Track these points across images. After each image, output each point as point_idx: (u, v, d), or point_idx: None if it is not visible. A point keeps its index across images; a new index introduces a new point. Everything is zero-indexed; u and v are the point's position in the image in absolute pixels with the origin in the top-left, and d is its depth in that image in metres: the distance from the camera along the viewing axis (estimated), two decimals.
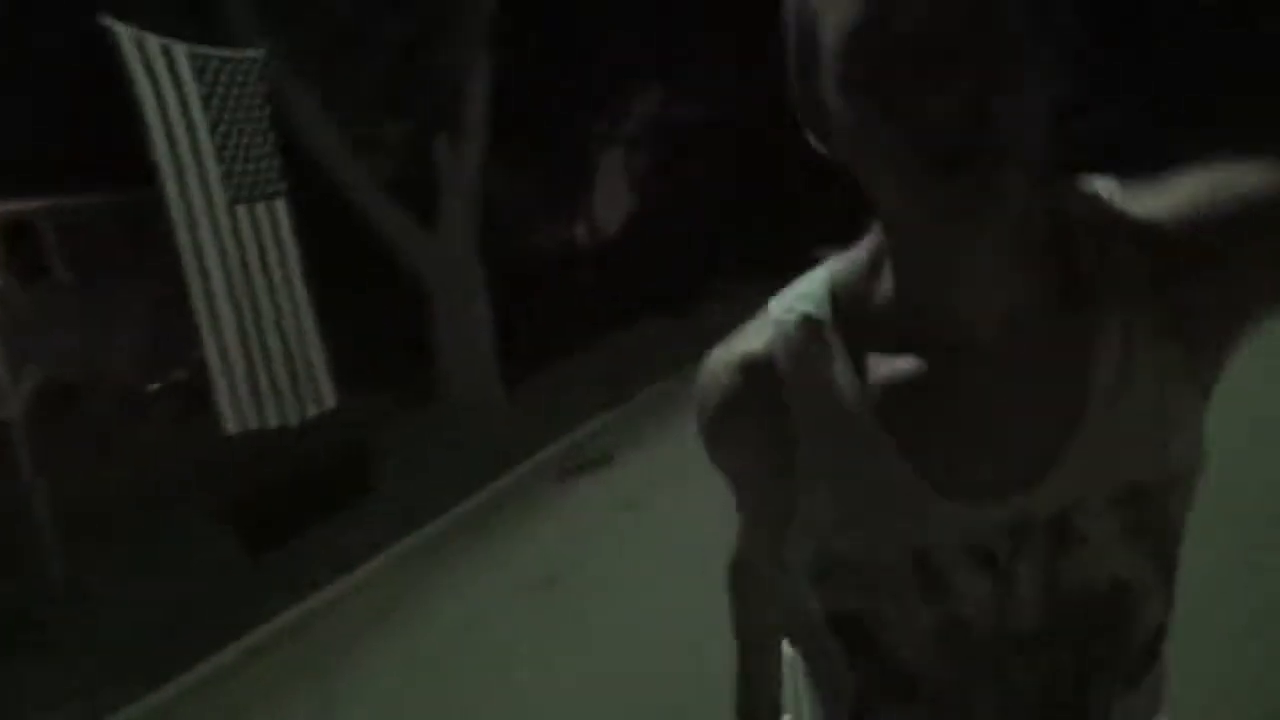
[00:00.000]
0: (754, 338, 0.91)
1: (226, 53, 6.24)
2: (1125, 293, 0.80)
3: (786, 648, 1.19)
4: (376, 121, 9.13)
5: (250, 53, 6.41)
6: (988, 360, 0.82)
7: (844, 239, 0.93)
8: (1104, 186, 0.85)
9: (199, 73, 5.95)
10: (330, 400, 6.61)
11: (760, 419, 0.88)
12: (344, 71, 8.76)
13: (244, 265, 6.16)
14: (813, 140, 0.84)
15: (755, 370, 0.89)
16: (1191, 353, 0.81)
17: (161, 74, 5.73)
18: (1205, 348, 0.81)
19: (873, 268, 0.87)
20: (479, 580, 5.63)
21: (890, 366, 0.84)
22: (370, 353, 10.52)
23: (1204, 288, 0.79)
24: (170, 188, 5.78)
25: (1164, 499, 0.83)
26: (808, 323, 0.88)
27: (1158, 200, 0.81)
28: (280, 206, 6.46)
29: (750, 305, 0.96)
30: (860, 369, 0.85)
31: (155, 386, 11.27)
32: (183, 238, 5.85)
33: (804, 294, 0.90)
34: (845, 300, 0.88)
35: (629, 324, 11.71)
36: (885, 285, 0.86)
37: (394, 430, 8.82)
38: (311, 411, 6.48)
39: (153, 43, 5.67)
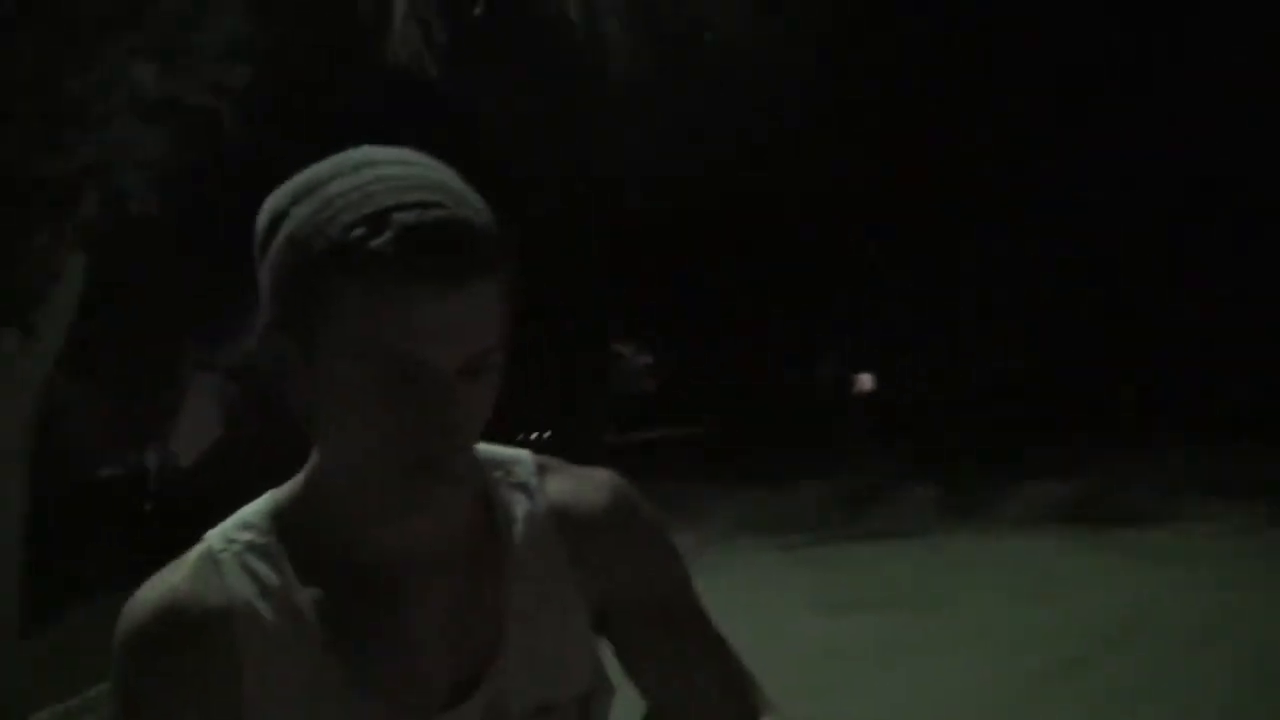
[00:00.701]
0: (189, 569, 0.92)
1: None
2: (536, 544, 0.97)
3: None
4: None
5: None
6: (416, 583, 0.91)
7: None
8: (523, 455, 1.04)
9: None
10: None
11: (204, 657, 0.88)
12: None
13: None
14: (274, 385, 0.90)
15: (196, 604, 0.89)
16: (584, 596, 0.98)
17: None
18: (591, 596, 0.98)
19: (314, 505, 0.94)
20: None
21: (331, 588, 0.90)
22: None
23: (591, 560, 0.98)
24: None
25: (577, 713, 0.95)
26: (248, 550, 0.92)
27: (578, 483, 1.02)
28: None
29: None
30: (304, 594, 0.90)
31: None
32: None
33: (244, 523, 0.95)
34: (286, 529, 0.93)
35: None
36: (325, 514, 0.93)
37: None
38: None
39: None
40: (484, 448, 0.99)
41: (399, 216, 0.78)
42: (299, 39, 9.78)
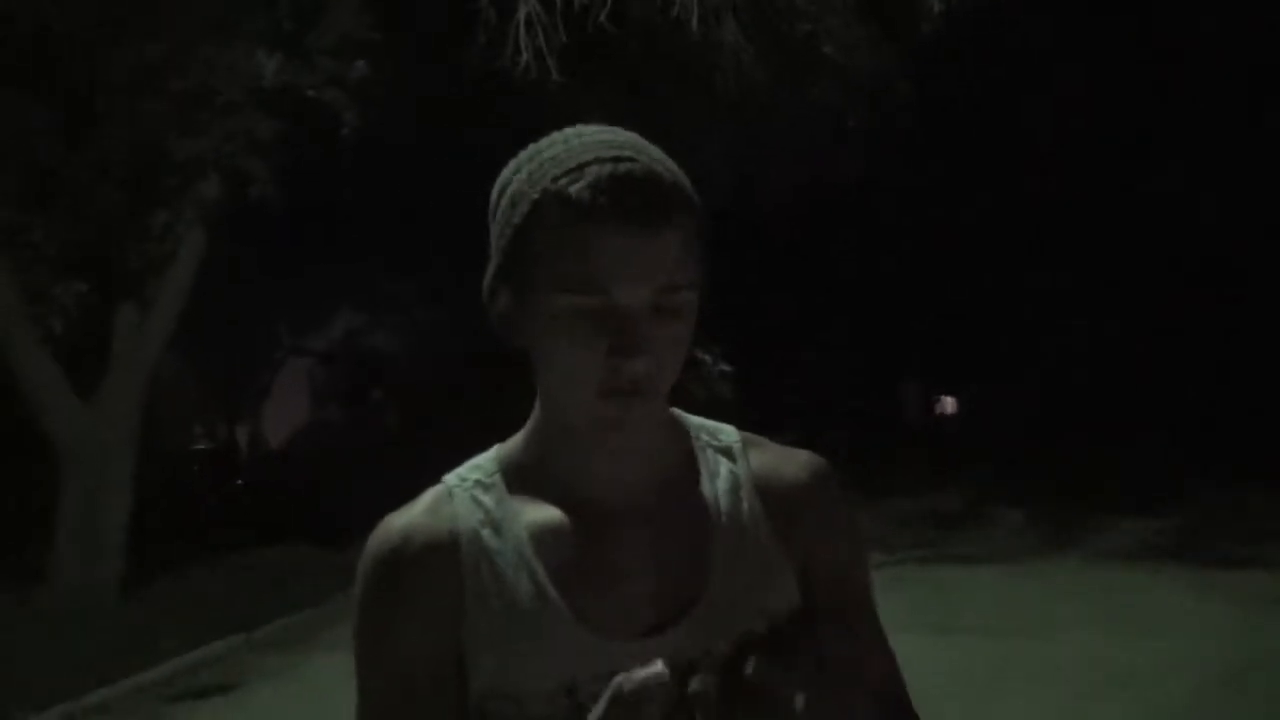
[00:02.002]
0: (427, 502, 1.00)
1: None
2: (739, 504, 1.01)
3: None
4: (56, 274, 8.38)
5: None
6: (627, 519, 0.97)
7: None
8: (728, 427, 1.08)
9: None
10: None
11: (435, 564, 0.96)
12: (34, 219, 8.10)
13: None
14: (500, 334, 0.98)
15: (427, 530, 0.97)
16: (788, 559, 1.01)
17: None
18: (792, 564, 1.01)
19: (535, 447, 1.01)
20: None
21: (550, 520, 0.98)
22: None
23: (790, 532, 1.01)
24: None
25: None
26: (477, 486, 1.00)
27: (781, 458, 1.06)
28: None
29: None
30: (525, 524, 0.98)
31: None
32: None
33: (475, 465, 1.03)
34: (511, 471, 1.01)
35: (272, 544, 10.92)
36: (547, 461, 1.00)
37: None
38: None
39: None
40: (691, 416, 1.07)
41: (595, 167, 0.90)
42: (417, 38, 10.02)
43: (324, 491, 15.99)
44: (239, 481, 19.79)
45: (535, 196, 0.92)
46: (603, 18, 7.32)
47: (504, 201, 0.96)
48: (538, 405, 1.02)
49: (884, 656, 1.06)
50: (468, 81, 9.28)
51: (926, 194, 17.09)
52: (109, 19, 7.90)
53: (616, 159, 0.91)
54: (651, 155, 0.94)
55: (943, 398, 23.18)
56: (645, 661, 0.88)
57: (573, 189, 0.89)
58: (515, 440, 1.04)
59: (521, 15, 7.52)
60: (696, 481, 1.02)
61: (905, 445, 14.47)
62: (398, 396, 24.22)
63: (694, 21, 7.42)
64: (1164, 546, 8.87)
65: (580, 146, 0.93)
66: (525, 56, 7.56)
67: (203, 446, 21.11)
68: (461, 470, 1.03)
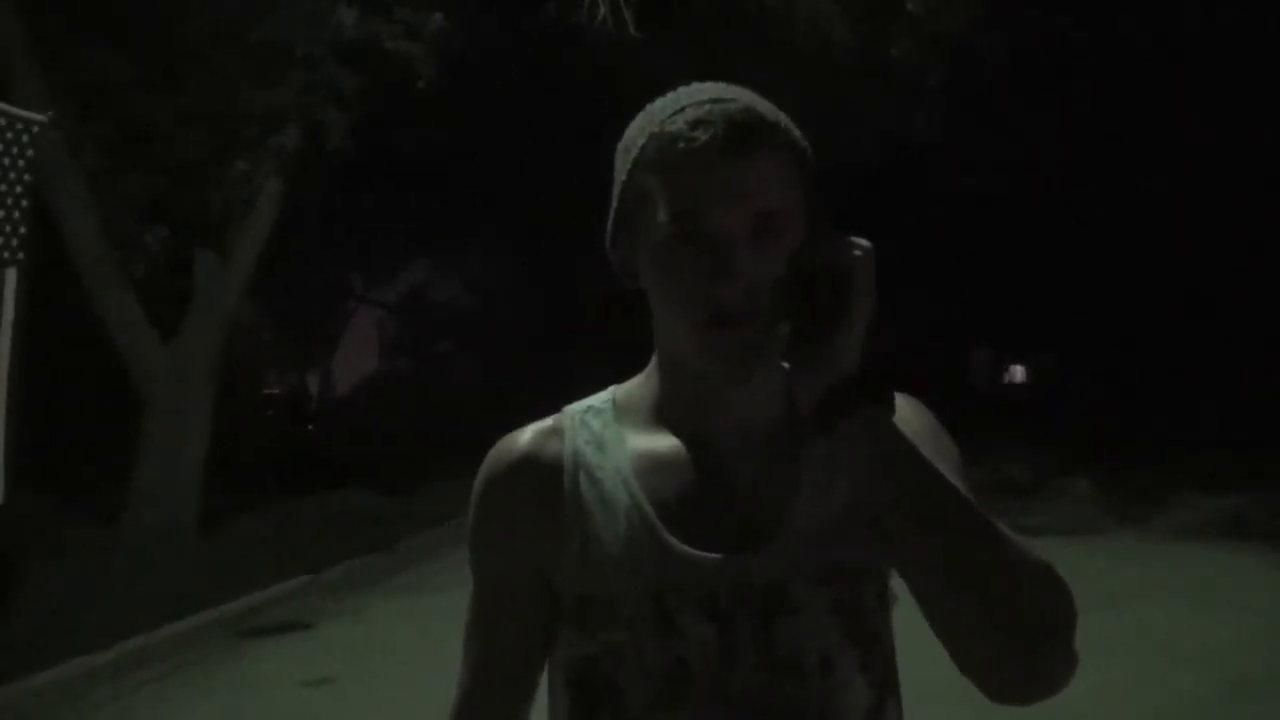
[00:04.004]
0: (540, 423, 1.08)
1: (5, 107, 5.77)
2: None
3: None
4: (141, 220, 8.60)
5: (33, 115, 5.95)
6: (726, 449, 1.03)
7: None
8: None
9: None
10: None
11: (540, 476, 1.03)
12: (122, 165, 8.30)
13: None
14: (618, 273, 1.05)
15: (535, 446, 1.05)
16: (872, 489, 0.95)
17: None
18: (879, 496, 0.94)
19: (646, 384, 1.08)
20: None
21: (652, 445, 1.04)
22: (67, 452, 9.48)
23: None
24: None
25: (860, 586, 1.00)
26: (589, 411, 1.08)
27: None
28: (10, 276, 5.84)
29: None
30: (628, 447, 1.04)
31: None
32: None
33: (592, 400, 1.10)
34: (624, 403, 1.09)
35: (339, 490, 11.20)
36: (655, 395, 1.07)
37: (67, 543, 7.87)
38: None
39: None
40: None
41: (693, 108, 0.96)
42: None
43: (390, 441, 16.31)
44: (309, 427, 20.25)
45: (642, 141, 0.99)
46: None
47: (619, 154, 1.03)
48: (655, 346, 1.08)
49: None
50: (542, 36, 9.24)
51: (1007, 159, 16.71)
52: None
53: (715, 100, 0.97)
54: (753, 98, 1.00)
55: (1012, 366, 22.82)
56: (731, 576, 0.97)
57: (673, 126, 0.96)
58: (633, 380, 1.11)
59: None
60: (797, 425, 1.02)
61: (974, 411, 14.26)
62: (467, 350, 24.50)
63: None
64: (1238, 522, 8.66)
65: (685, 94, 1.00)
66: (603, 11, 7.51)
67: (275, 392, 21.60)
68: (580, 403, 1.10)
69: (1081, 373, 20.21)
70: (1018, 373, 23.06)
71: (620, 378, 1.13)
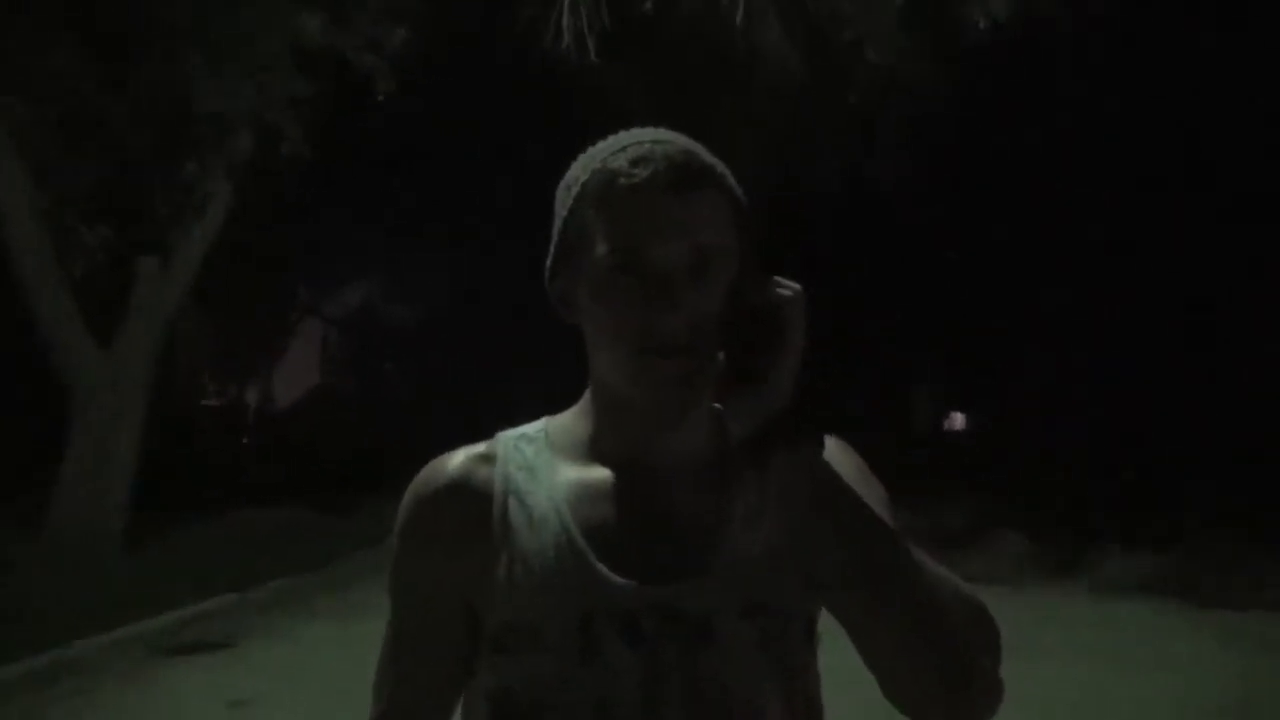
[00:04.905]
0: (471, 448, 1.08)
1: None
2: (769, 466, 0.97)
3: None
4: (84, 217, 8.41)
5: None
6: (658, 481, 1.04)
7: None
8: None
9: None
10: None
11: (470, 500, 1.03)
12: (67, 159, 8.13)
13: None
14: (556, 307, 1.07)
15: (465, 470, 1.05)
16: (812, 533, 0.96)
17: None
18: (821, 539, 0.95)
19: (580, 415, 1.09)
20: None
21: (584, 474, 1.05)
22: None
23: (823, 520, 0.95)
24: None
25: (787, 622, 1.01)
26: (523, 439, 1.09)
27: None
28: None
29: None
30: (560, 475, 1.05)
31: None
32: None
33: (525, 428, 1.12)
34: (556, 433, 1.09)
35: (273, 506, 10.97)
36: (589, 426, 1.08)
37: None
38: None
39: None
40: None
41: (635, 146, 1.00)
42: (458, 11, 9.99)
43: (327, 458, 16.07)
44: (244, 440, 19.88)
45: (584, 178, 1.02)
46: (648, 4, 7.29)
47: (561, 189, 1.06)
48: (590, 379, 1.09)
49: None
50: (503, 59, 9.26)
51: (957, 205, 17.01)
52: None
53: (656, 140, 1.01)
54: (690, 142, 1.03)
55: (953, 413, 23.13)
56: (659, 604, 0.97)
57: (615, 163, 0.99)
58: (566, 412, 1.12)
59: None
60: (729, 460, 1.04)
61: (911, 456, 14.40)
62: (410, 370, 24.28)
63: (739, 16, 7.39)
64: (1165, 583, 8.82)
65: (627, 136, 1.04)
66: (566, 38, 7.55)
67: (212, 403, 21.19)
68: (512, 430, 1.11)
69: (1024, 423, 20.54)
70: (958, 419, 23.37)
71: (557, 408, 1.13)
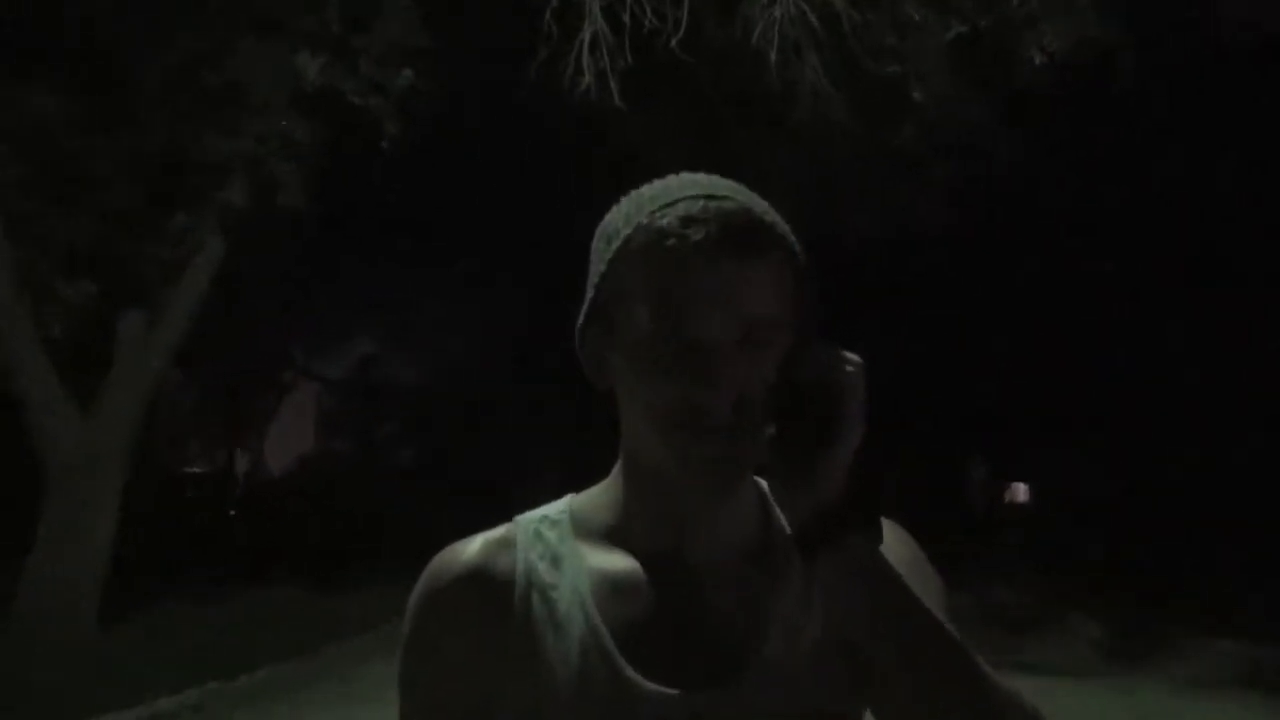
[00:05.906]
0: (489, 534, 1.07)
1: None
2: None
3: None
4: (64, 273, 8.53)
5: None
6: (693, 572, 1.02)
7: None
8: None
9: None
10: None
11: (488, 592, 1.02)
12: (46, 209, 8.28)
13: None
14: (590, 376, 1.05)
15: (482, 560, 1.03)
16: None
17: None
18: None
19: (609, 494, 1.07)
20: None
21: (612, 564, 1.03)
22: None
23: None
24: None
25: None
26: (544, 522, 1.07)
27: None
28: None
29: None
30: (586, 564, 1.03)
31: None
32: None
33: (547, 509, 1.10)
34: (581, 514, 1.07)
35: (260, 584, 10.97)
36: (618, 507, 1.06)
37: None
38: None
39: None
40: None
41: (687, 203, 0.97)
42: (471, 52, 10.16)
43: (322, 531, 16.10)
44: (231, 512, 19.94)
45: (628, 232, 0.99)
46: (674, 43, 7.40)
47: (599, 240, 1.04)
48: (621, 452, 1.07)
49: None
50: (518, 101, 9.40)
51: (1014, 258, 17.02)
52: (146, 5, 8.10)
53: (710, 195, 0.98)
54: (745, 194, 1.01)
55: (1014, 484, 22.91)
56: (694, 714, 0.96)
57: (664, 220, 0.96)
58: (593, 489, 1.10)
59: (587, 35, 7.62)
60: (773, 549, 1.05)
61: (970, 535, 14.26)
62: (412, 432, 24.35)
63: (773, 54, 7.49)
64: (1258, 676, 8.63)
65: (678, 185, 1.01)
66: (587, 78, 7.67)
67: (197, 470, 21.29)
68: (533, 513, 1.09)
69: (1091, 495, 20.29)
70: (1020, 491, 23.12)
71: (578, 477, 1.14)
